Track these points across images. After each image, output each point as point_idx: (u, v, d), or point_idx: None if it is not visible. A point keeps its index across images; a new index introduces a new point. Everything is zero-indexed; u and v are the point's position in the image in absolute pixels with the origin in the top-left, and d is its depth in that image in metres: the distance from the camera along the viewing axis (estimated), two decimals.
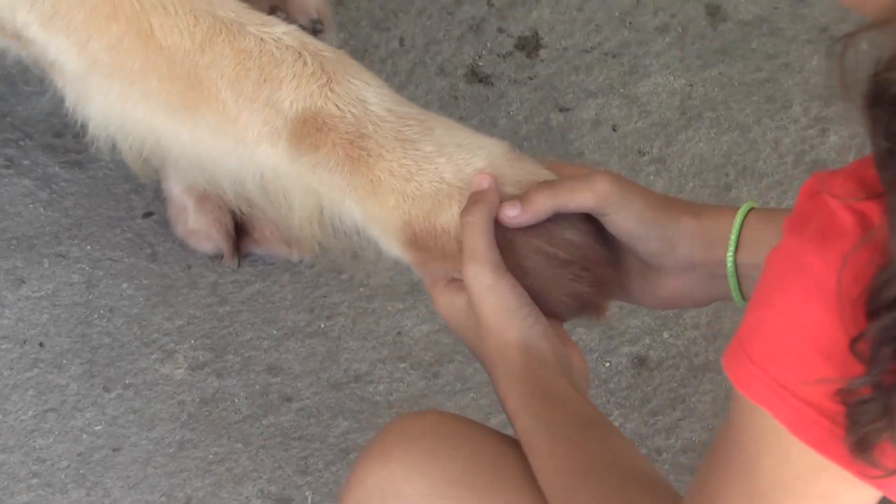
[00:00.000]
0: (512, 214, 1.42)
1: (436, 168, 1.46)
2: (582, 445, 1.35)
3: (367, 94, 1.49)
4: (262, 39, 1.50)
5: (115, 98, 1.55)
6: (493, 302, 1.39)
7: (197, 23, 1.49)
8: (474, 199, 1.42)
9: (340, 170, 1.48)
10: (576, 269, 1.44)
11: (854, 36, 1.01)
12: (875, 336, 1.00)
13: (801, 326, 1.04)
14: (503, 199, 1.43)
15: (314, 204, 1.53)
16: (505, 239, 1.44)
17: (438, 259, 1.46)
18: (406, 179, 1.46)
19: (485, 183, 1.43)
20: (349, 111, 1.47)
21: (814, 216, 1.04)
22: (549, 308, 1.44)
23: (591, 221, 1.45)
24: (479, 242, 1.39)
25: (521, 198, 1.42)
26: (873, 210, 1.01)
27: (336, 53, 1.51)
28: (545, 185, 1.44)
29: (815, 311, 1.02)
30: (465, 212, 1.42)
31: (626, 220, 1.42)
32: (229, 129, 1.50)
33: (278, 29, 1.51)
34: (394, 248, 1.50)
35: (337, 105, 1.47)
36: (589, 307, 1.47)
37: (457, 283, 1.44)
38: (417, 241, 1.46)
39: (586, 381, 1.45)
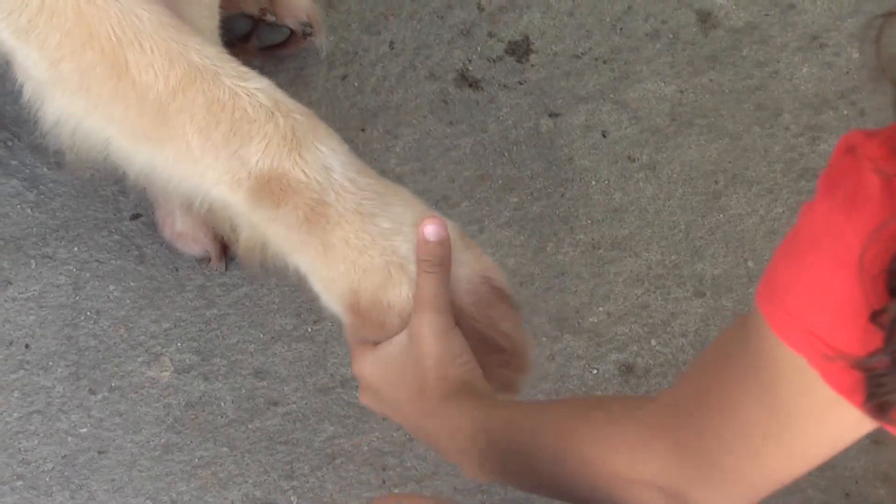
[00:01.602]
0: None
1: (391, 245, 1.50)
2: (554, 403, 1.47)
3: (333, 162, 1.51)
4: (236, 93, 1.50)
5: (76, 110, 1.56)
6: (443, 346, 1.47)
7: (172, 66, 1.49)
8: (437, 255, 1.48)
9: (297, 229, 1.50)
10: (506, 356, 1.55)
11: (893, 15, 1.02)
12: (894, 313, 1.03)
13: (830, 288, 1.08)
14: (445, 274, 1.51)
15: (260, 240, 1.55)
16: None
17: (374, 328, 1.52)
18: (360, 251, 1.50)
19: (442, 232, 1.49)
20: (315, 178, 1.50)
21: (846, 176, 1.07)
22: None
23: (519, 314, 1.56)
24: (440, 293, 1.47)
25: None
26: None
27: (306, 115, 1.53)
28: None
29: (843, 275, 1.06)
30: (427, 264, 1.48)
31: None
32: (189, 166, 1.52)
33: (252, 84, 1.52)
34: (333, 306, 1.55)
35: (304, 171, 1.50)
36: (507, 389, 1.59)
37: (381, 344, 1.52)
38: (360, 309, 1.51)
39: None
